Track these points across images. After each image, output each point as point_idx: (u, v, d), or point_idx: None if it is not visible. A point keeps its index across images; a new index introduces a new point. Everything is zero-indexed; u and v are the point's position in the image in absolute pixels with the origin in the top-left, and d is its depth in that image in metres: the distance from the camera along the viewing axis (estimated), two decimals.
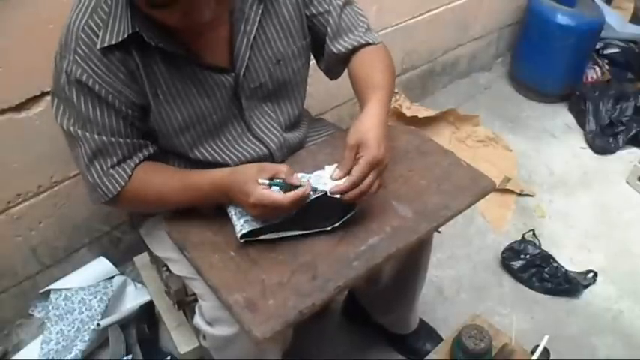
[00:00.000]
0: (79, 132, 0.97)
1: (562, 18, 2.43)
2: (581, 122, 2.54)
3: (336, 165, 0.99)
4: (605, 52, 2.75)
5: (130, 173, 1.01)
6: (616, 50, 2.75)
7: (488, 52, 2.88)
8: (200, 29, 0.94)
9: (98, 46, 0.91)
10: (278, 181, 0.94)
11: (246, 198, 0.93)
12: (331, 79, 1.26)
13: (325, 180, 0.97)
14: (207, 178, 1.00)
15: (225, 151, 1.10)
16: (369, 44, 1.16)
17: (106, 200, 1.02)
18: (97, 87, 0.93)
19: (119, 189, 1.01)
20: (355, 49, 1.15)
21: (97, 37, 0.91)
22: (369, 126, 0.98)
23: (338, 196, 0.95)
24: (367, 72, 1.12)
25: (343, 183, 0.94)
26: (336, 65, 1.19)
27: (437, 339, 1.56)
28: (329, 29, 1.13)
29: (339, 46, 1.15)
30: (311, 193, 0.96)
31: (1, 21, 1.23)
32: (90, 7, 0.92)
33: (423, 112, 2.26)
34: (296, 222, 0.99)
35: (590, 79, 2.68)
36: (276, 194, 0.92)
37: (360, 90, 1.10)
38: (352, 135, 0.98)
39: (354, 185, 0.94)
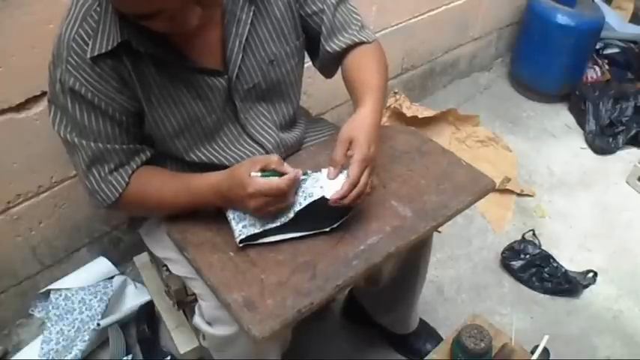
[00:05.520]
0: (76, 139, 0.98)
1: (562, 18, 2.43)
2: (581, 122, 2.54)
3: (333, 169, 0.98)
4: (605, 52, 2.75)
5: (127, 179, 1.01)
6: (616, 50, 2.75)
7: (489, 52, 2.88)
8: (190, 33, 0.94)
9: (88, 55, 0.91)
10: (270, 172, 0.95)
11: (243, 191, 0.93)
12: (326, 77, 1.26)
13: (322, 183, 0.96)
14: (205, 180, 1.01)
15: (222, 153, 1.10)
16: (362, 42, 1.16)
17: (105, 206, 1.03)
18: (89, 95, 0.94)
19: (117, 195, 1.01)
20: (349, 47, 1.15)
21: (88, 46, 0.91)
22: (360, 125, 0.99)
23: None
24: (361, 72, 1.12)
25: (342, 187, 0.94)
26: (330, 64, 1.20)
27: (437, 339, 1.56)
28: (323, 28, 1.13)
29: (334, 45, 1.15)
30: (308, 196, 0.96)
31: (1, 21, 1.23)
32: (80, 16, 0.92)
33: (423, 112, 2.26)
34: (294, 225, 0.98)
35: (590, 79, 2.68)
36: (272, 179, 0.93)
37: (354, 91, 1.10)
38: (344, 132, 0.98)
39: (353, 186, 0.94)
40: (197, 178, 1.02)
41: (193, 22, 0.87)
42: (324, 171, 0.98)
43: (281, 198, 0.94)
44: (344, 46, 1.14)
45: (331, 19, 1.13)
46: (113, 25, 0.91)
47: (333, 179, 0.96)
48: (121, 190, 1.01)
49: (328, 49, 1.15)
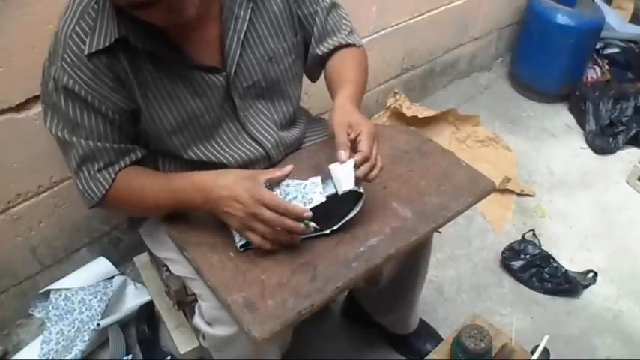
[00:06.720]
0: (67, 136, 0.98)
1: (562, 18, 2.43)
2: (581, 122, 2.54)
3: (339, 162, 0.97)
4: (605, 52, 2.75)
5: (113, 177, 1.01)
6: (616, 50, 2.75)
7: (489, 52, 2.88)
8: (187, 26, 0.94)
9: (85, 52, 0.91)
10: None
11: (245, 193, 0.92)
12: (312, 80, 1.27)
13: (320, 188, 0.96)
14: (188, 179, 1.00)
15: (221, 152, 1.10)
16: (349, 45, 1.18)
17: (94, 204, 1.03)
18: (83, 93, 0.94)
19: (104, 192, 1.01)
20: (336, 49, 1.17)
21: (85, 43, 0.91)
22: (348, 111, 1.01)
23: (346, 190, 0.93)
24: (340, 69, 1.15)
25: (356, 158, 0.93)
26: (317, 67, 1.21)
27: (437, 339, 1.56)
28: (315, 31, 1.15)
29: (323, 48, 1.17)
30: (308, 202, 0.95)
31: (1, 21, 1.23)
32: (77, 13, 0.92)
33: (423, 112, 2.26)
34: None
35: (590, 79, 2.68)
36: (283, 200, 0.92)
37: (332, 85, 1.13)
38: (337, 119, 0.99)
39: (366, 159, 0.94)
40: (181, 176, 1.02)
41: (190, 12, 0.87)
42: (343, 176, 0.95)
43: (277, 219, 0.92)
44: (332, 48, 1.17)
45: (323, 22, 1.15)
46: (111, 21, 0.91)
47: (344, 162, 0.94)
48: (107, 187, 1.01)
49: (318, 51, 1.17)
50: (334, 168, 0.95)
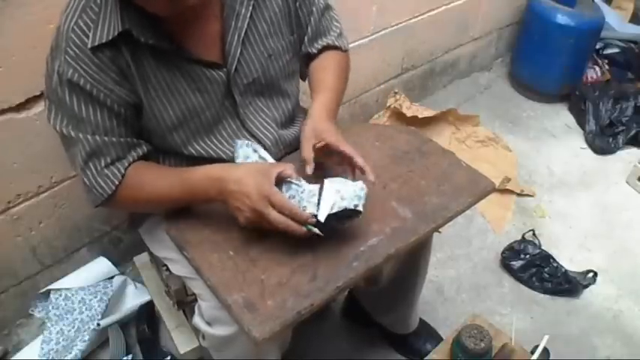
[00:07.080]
0: (72, 132, 0.97)
1: (562, 18, 2.44)
2: (581, 122, 2.54)
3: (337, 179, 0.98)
4: (605, 52, 2.75)
5: (123, 172, 1.00)
6: (616, 50, 2.75)
7: (489, 52, 2.88)
8: (189, 21, 0.94)
9: (89, 46, 0.91)
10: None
11: (258, 192, 0.91)
12: (302, 79, 1.28)
13: (315, 199, 0.94)
14: (203, 171, 0.99)
15: (221, 147, 1.10)
16: (336, 48, 1.21)
17: (103, 200, 1.02)
18: (88, 86, 0.94)
19: (114, 188, 1.00)
20: (323, 49, 1.20)
21: (87, 37, 0.91)
22: (317, 121, 1.06)
23: (334, 211, 0.94)
24: (321, 73, 1.18)
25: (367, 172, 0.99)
26: (306, 65, 1.23)
27: (437, 339, 1.56)
28: (309, 30, 1.17)
29: (313, 48, 1.19)
30: (303, 209, 0.95)
31: (1, 21, 1.23)
32: (79, 7, 0.92)
33: (423, 112, 2.26)
34: None
35: (590, 79, 2.68)
36: (289, 201, 0.93)
37: (312, 88, 1.17)
38: (307, 131, 1.05)
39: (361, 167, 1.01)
40: (192, 169, 1.02)
41: (191, 0, 0.88)
42: (328, 183, 0.96)
43: (283, 220, 0.92)
44: (320, 48, 1.19)
45: (317, 22, 1.17)
46: (114, 14, 0.92)
47: (310, 174, 0.99)
48: (117, 183, 1.00)
49: (309, 51, 1.19)
50: (329, 183, 0.95)
